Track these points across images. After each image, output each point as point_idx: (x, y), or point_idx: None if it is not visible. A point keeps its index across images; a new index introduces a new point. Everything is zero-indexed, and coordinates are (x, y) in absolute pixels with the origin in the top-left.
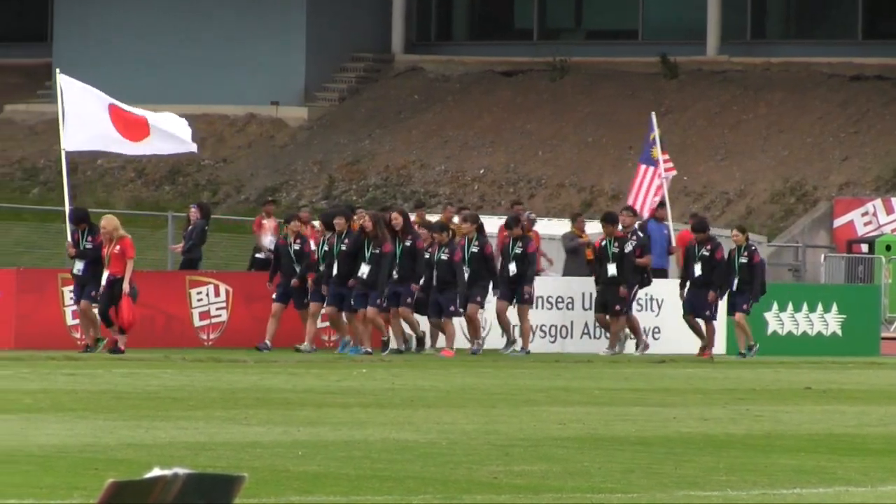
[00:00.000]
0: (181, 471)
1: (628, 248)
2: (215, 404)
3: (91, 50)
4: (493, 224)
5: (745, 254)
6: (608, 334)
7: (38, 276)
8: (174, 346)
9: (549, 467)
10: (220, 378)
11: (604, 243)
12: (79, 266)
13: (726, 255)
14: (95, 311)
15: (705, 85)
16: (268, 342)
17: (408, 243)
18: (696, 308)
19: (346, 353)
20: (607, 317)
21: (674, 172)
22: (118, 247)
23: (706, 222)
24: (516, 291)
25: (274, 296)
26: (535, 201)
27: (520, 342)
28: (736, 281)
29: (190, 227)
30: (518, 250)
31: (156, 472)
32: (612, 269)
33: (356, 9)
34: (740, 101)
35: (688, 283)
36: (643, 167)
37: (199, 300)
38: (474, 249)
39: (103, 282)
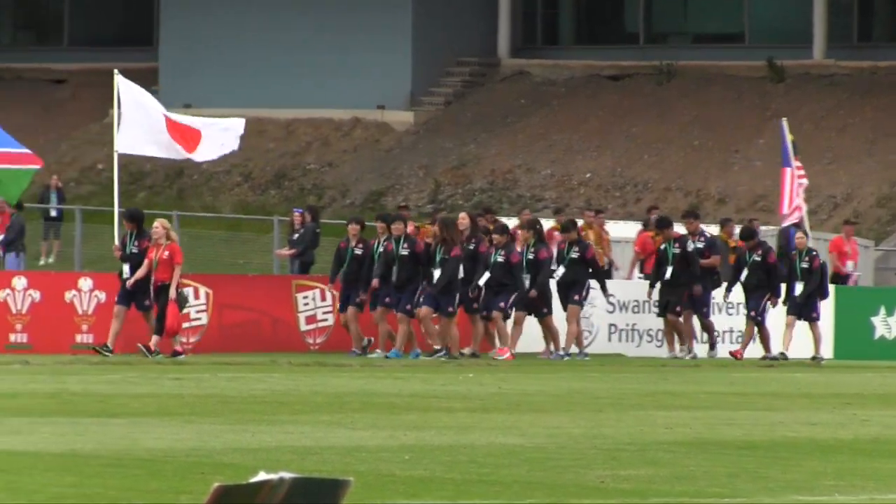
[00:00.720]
0: (287, 475)
1: (690, 247)
2: (321, 408)
3: (196, 55)
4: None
5: (807, 258)
6: (668, 337)
7: None
8: (280, 351)
9: (656, 471)
10: (326, 382)
11: (663, 246)
12: (126, 269)
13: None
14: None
15: (811, 89)
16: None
17: (471, 247)
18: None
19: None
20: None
21: (806, 180)
22: (167, 252)
23: (755, 230)
24: (568, 294)
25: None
26: (641, 205)
27: (573, 346)
28: (800, 286)
29: (301, 231)
30: (575, 255)
31: (262, 476)
32: (668, 272)
33: (462, 13)
34: (846, 105)
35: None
36: (788, 171)
37: (306, 304)
38: (530, 256)
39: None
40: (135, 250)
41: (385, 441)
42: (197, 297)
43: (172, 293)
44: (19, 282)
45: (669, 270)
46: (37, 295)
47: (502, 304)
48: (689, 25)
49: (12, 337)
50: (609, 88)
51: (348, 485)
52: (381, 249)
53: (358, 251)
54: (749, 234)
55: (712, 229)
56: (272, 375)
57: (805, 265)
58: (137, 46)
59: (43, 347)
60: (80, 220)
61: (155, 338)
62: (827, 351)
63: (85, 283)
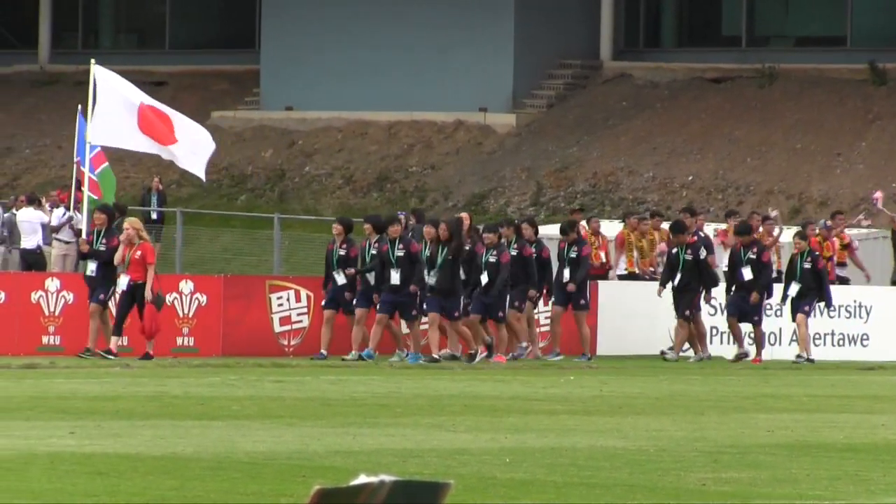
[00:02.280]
0: (387, 478)
1: (702, 254)
2: (423, 411)
3: (298, 57)
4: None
5: (809, 259)
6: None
7: (245, 282)
8: (384, 354)
9: (757, 474)
10: (428, 385)
11: (675, 251)
12: (92, 267)
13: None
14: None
15: None
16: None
17: (466, 247)
18: (743, 312)
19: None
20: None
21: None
22: (139, 252)
23: (750, 225)
24: (573, 298)
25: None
26: (743, 208)
27: (529, 347)
28: (797, 287)
29: (409, 234)
30: (573, 255)
31: (362, 478)
32: (678, 277)
33: (564, 16)
34: None
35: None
36: None
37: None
38: (513, 252)
39: (123, 287)
40: (102, 247)
41: (486, 444)
42: (298, 300)
43: (148, 295)
44: (123, 283)
45: (679, 276)
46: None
47: (501, 315)
48: (791, 28)
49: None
50: (711, 91)
51: (448, 487)
52: (372, 251)
53: (342, 252)
54: (744, 229)
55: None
56: (373, 378)
57: (807, 265)
58: (238, 49)
59: (144, 349)
60: (181, 223)
61: (114, 339)
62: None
63: (186, 285)
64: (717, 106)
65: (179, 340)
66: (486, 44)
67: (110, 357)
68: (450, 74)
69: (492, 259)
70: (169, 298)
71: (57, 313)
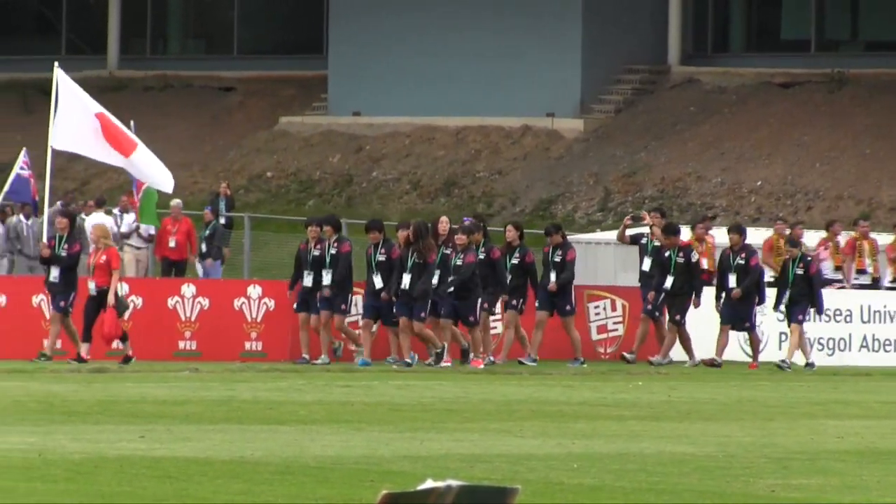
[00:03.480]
0: (454, 483)
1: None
2: (490, 416)
3: (365, 62)
4: (762, 237)
5: (801, 265)
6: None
7: None
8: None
9: (827, 481)
10: (496, 390)
11: (668, 254)
12: (54, 274)
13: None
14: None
15: None
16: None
17: (447, 251)
18: (735, 319)
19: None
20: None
21: None
22: (104, 257)
23: (743, 227)
24: (557, 304)
25: (295, 305)
26: (812, 213)
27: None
28: (788, 293)
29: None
30: (557, 259)
31: (429, 483)
32: (669, 281)
33: (632, 21)
34: None
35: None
36: None
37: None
38: (481, 256)
39: (92, 292)
40: (63, 253)
41: (554, 449)
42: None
43: (111, 299)
44: (188, 289)
45: (671, 280)
46: (206, 302)
47: (472, 319)
48: (861, 33)
49: (181, 344)
50: (780, 96)
51: (515, 493)
52: (332, 252)
53: (316, 253)
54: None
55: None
56: (441, 383)
57: (800, 271)
58: (306, 54)
59: (212, 355)
60: (249, 228)
61: (84, 345)
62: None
63: (254, 290)
64: (785, 111)
65: (248, 345)
66: (554, 49)
67: (83, 362)
68: (518, 80)
69: (458, 262)
70: (237, 303)
71: (125, 318)
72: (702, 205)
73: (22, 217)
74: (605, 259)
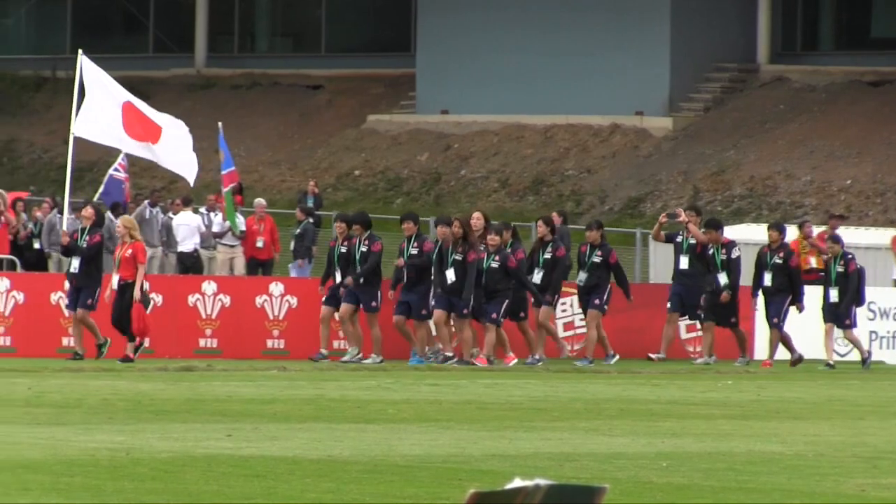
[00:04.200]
0: (542, 482)
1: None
2: (579, 415)
3: (454, 61)
4: (858, 236)
5: (842, 262)
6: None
7: None
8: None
9: None
10: (584, 389)
11: (711, 251)
12: (75, 264)
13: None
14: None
15: None
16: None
17: (482, 248)
18: (766, 316)
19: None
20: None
21: None
22: (129, 250)
23: (783, 225)
24: (588, 299)
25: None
26: None
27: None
28: (834, 291)
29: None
30: (597, 259)
31: (517, 482)
32: (722, 278)
33: (721, 19)
34: None
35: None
36: None
37: (563, 311)
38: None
39: (114, 286)
40: (84, 244)
41: (643, 448)
42: None
43: (137, 294)
44: (276, 288)
45: (723, 277)
46: (293, 301)
47: (494, 316)
48: None
49: (269, 343)
50: (869, 94)
51: (604, 491)
52: (363, 249)
53: (343, 249)
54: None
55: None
56: (530, 382)
57: (840, 269)
58: (394, 52)
59: (300, 353)
60: None
61: (130, 346)
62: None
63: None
64: (874, 109)
65: (336, 344)
66: (642, 47)
67: (129, 361)
68: (606, 78)
69: (493, 264)
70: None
71: (214, 316)
72: (791, 203)
73: (112, 217)
74: None
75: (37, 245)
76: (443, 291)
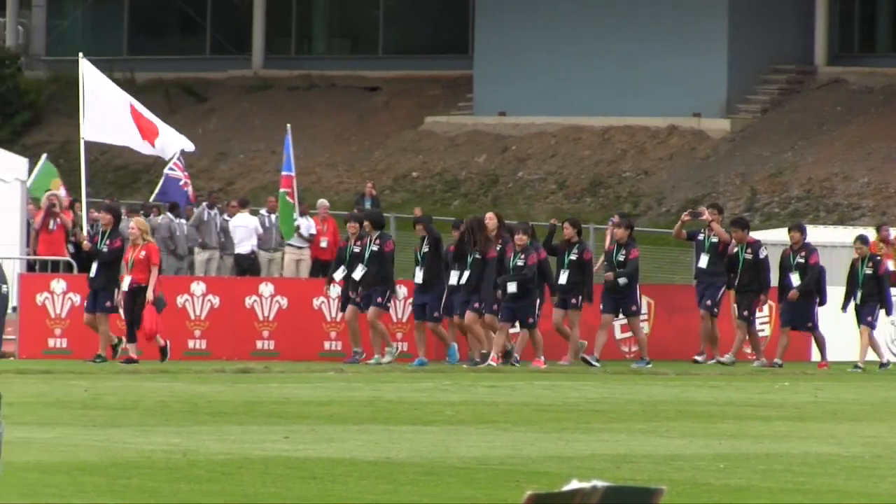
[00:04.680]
0: (600, 483)
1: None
2: (636, 417)
3: (511, 62)
4: None
5: (871, 264)
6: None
7: None
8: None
9: None
10: (641, 390)
11: (735, 250)
12: (94, 269)
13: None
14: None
15: None
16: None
17: (497, 248)
18: (797, 320)
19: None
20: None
21: None
22: (143, 252)
23: (803, 225)
24: (621, 303)
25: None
26: None
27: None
28: (860, 293)
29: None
30: (621, 257)
31: (574, 484)
32: (795, 279)
33: (778, 21)
34: None
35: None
36: None
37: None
38: (519, 262)
39: (124, 287)
40: (105, 248)
41: (700, 449)
42: None
43: (150, 295)
44: (334, 290)
45: (739, 275)
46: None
47: (531, 321)
48: None
49: (326, 345)
50: None
51: (661, 493)
52: (374, 249)
53: (356, 249)
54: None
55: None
56: (587, 383)
57: (869, 271)
58: (452, 54)
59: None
60: (395, 228)
61: (131, 346)
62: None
63: (400, 290)
64: None
65: (395, 345)
66: (700, 49)
67: (134, 363)
68: (663, 79)
69: (519, 262)
70: None
71: (271, 318)
72: (848, 205)
73: (172, 216)
74: None
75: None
76: (464, 293)
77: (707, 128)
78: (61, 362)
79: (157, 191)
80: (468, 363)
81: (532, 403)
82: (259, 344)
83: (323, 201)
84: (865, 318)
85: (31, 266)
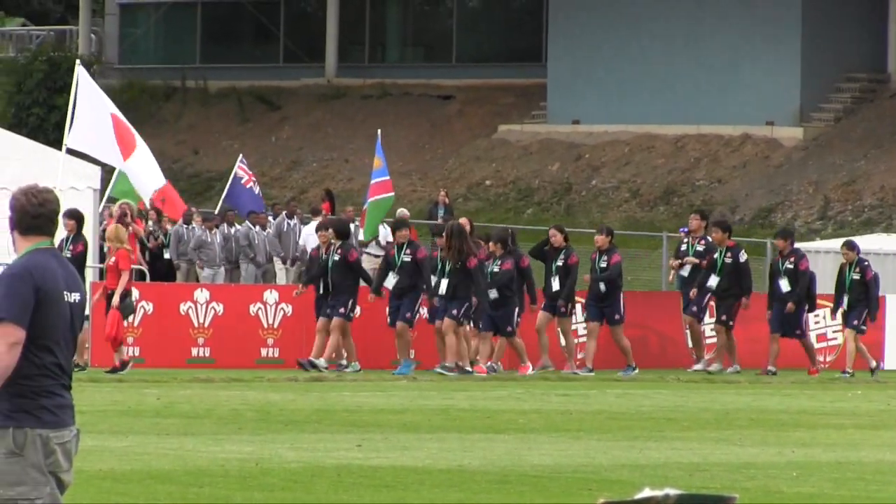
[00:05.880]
0: (672, 491)
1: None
2: (709, 425)
3: (585, 71)
4: None
5: (857, 269)
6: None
7: None
8: (669, 367)
9: None
10: (714, 399)
11: (716, 255)
12: None
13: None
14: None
15: None
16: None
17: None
18: (785, 327)
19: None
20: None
21: None
22: (113, 258)
23: (791, 231)
24: (606, 312)
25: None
26: None
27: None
28: (846, 298)
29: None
30: (603, 264)
31: (647, 492)
32: (784, 285)
33: (851, 30)
34: None
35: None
36: None
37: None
38: (495, 269)
39: (96, 296)
40: (68, 254)
41: (773, 458)
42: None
43: (115, 301)
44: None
45: (716, 280)
46: (423, 311)
47: (509, 329)
48: None
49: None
50: None
51: (733, 501)
52: (336, 258)
53: (325, 257)
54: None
55: None
56: (660, 392)
57: (856, 276)
58: (525, 62)
59: (428, 363)
60: None
61: (116, 355)
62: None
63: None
64: None
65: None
66: (773, 57)
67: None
68: (737, 88)
69: (495, 269)
70: None
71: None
72: None
73: (250, 225)
74: (824, 268)
75: (166, 255)
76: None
77: (780, 136)
78: (134, 371)
79: (223, 195)
80: (440, 368)
81: (605, 412)
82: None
83: (403, 210)
84: (852, 322)
85: (103, 274)
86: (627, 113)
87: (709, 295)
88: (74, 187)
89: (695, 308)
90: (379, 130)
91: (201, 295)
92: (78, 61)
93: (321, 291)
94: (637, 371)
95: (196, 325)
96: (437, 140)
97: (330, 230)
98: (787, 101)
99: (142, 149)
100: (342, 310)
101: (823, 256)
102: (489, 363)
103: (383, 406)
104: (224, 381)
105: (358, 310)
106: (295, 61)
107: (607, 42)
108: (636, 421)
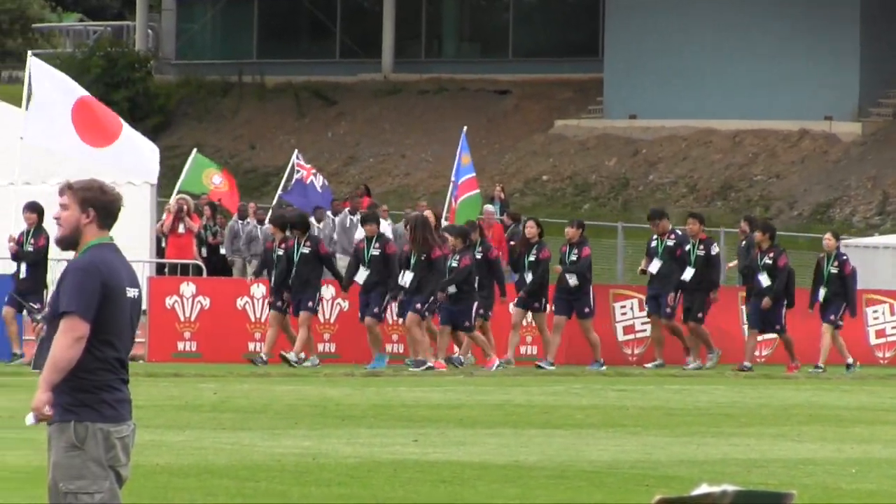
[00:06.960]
0: (730, 488)
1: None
2: (767, 421)
3: (642, 65)
4: None
5: (836, 263)
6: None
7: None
8: (727, 363)
9: None
10: (772, 394)
11: (688, 247)
12: (23, 269)
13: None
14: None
15: None
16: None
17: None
18: (765, 322)
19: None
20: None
21: None
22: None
23: (771, 226)
24: (575, 305)
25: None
26: None
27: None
28: (824, 291)
29: (744, 243)
30: (574, 257)
31: (704, 488)
32: (764, 280)
33: None
34: None
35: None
36: None
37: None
38: (454, 263)
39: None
40: (30, 248)
41: (832, 454)
42: (641, 309)
43: None
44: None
45: (691, 272)
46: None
47: (466, 324)
48: None
49: (455, 348)
50: None
51: (791, 498)
52: (304, 251)
53: (280, 251)
54: (766, 228)
55: None
56: (717, 387)
57: (834, 270)
58: (582, 57)
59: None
60: None
61: None
62: None
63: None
64: None
65: (523, 350)
66: (831, 53)
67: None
68: (794, 83)
69: (454, 264)
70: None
71: (263, 320)
72: None
73: (314, 220)
74: (883, 263)
75: (222, 251)
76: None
77: (839, 131)
78: (191, 366)
79: (279, 192)
80: (408, 362)
81: (662, 407)
82: (388, 347)
83: (489, 207)
84: (828, 316)
85: (160, 269)
86: (684, 108)
87: (679, 291)
88: (132, 182)
89: (668, 310)
90: (465, 127)
91: (258, 290)
92: (30, 52)
93: (275, 284)
94: (605, 367)
95: (253, 319)
96: (493, 135)
97: (288, 225)
98: (845, 96)
99: (128, 134)
100: (310, 303)
101: (882, 252)
102: (457, 356)
103: (440, 401)
104: (281, 375)
105: (346, 304)
106: (351, 56)
107: (665, 36)
108: (694, 416)
